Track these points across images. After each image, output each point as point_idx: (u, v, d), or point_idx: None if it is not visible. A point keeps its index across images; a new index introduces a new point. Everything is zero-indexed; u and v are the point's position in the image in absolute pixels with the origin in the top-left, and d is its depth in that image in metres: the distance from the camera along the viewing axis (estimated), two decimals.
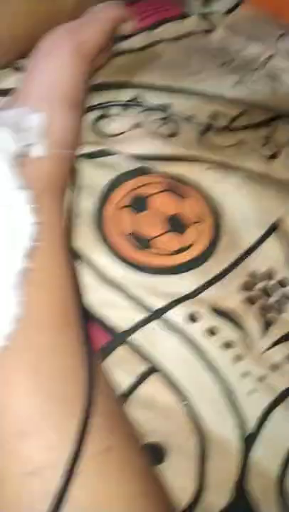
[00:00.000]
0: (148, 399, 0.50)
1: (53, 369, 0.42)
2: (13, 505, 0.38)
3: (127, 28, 0.67)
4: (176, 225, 0.57)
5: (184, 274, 0.55)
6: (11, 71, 0.67)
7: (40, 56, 0.54)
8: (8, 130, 0.44)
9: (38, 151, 0.50)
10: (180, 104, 0.66)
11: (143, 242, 0.56)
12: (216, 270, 0.55)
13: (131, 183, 0.59)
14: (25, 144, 0.47)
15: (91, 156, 0.61)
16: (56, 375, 0.42)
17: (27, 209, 0.41)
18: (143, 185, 0.59)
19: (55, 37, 0.55)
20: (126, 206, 0.58)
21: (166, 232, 0.57)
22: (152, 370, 0.51)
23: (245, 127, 0.66)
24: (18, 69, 0.67)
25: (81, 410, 0.40)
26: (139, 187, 0.59)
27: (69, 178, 0.56)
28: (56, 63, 0.53)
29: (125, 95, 0.66)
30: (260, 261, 0.57)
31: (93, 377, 0.43)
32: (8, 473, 0.38)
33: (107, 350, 0.51)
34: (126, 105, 0.66)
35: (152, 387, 0.50)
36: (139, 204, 0.58)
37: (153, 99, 0.66)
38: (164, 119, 0.65)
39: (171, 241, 0.56)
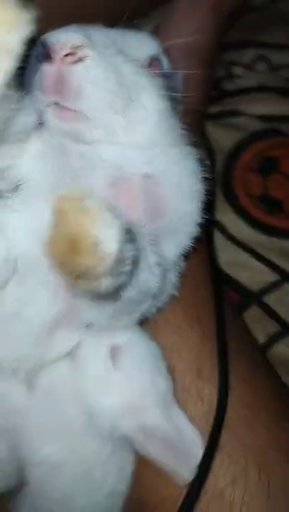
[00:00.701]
0: (280, 359, 0.50)
1: None
2: None
3: None
4: None
5: None
6: None
7: (180, 16, 0.54)
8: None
9: None
10: None
11: (273, 205, 0.55)
12: None
13: (260, 145, 0.58)
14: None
15: (217, 116, 0.61)
16: None
17: None
18: (273, 147, 0.58)
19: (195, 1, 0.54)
20: (255, 168, 0.57)
21: None
22: (286, 331, 0.51)
23: None
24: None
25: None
26: (268, 149, 0.58)
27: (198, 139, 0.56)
28: (198, 26, 0.53)
29: (249, 55, 0.64)
30: None
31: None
32: None
33: (238, 310, 0.52)
34: (249, 65, 0.64)
35: (284, 348, 0.51)
36: (269, 166, 0.57)
37: (278, 58, 0.64)
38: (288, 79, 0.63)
39: None
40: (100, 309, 0.33)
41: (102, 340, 0.38)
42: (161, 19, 0.56)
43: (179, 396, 0.39)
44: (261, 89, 0.63)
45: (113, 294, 0.31)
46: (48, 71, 0.32)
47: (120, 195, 0.32)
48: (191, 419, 0.38)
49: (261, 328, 0.52)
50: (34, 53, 0.34)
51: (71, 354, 0.39)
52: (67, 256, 0.26)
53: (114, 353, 0.39)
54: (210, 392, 0.39)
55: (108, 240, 0.26)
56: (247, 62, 0.65)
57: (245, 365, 0.43)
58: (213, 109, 0.61)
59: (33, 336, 0.36)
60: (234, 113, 0.61)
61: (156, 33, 0.57)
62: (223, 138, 0.59)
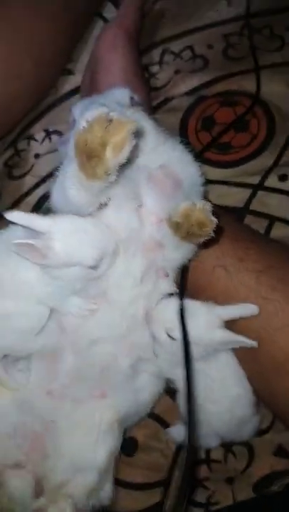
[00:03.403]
0: None
1: None
2: None
3: None
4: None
5: None
6: (67, 75, 0.88)
7: (104, 51, 0.75)
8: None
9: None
10: (198, 40, 0.86)
11: (224, 148, 0.79)
12: None
13: (197, 112, 0.81)
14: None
15: (157, 108, 0.83)
16: None
17: None
18: (205, 109, 0.81)
19: (109, 33, 0.75)
20: (200, 129, 0.81)
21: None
22: None
23: None
24: (70, 72, 0.88)
25: None
26: (203, 112, 0.81)
27: None
28: (121, 52, 0.74)
29: (157, 53, 0.87)
30: None
31: None
32: None
33: None
34: (160, 61, 0.87)
35: None
36: (208, 123, 0.80)
37: (177, 46, 0.87)
38: (192, 57, 0.86)
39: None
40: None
41: None
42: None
43: None
44: (177, 72, 0.86)
45: None
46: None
47: (155, 185, 0.55)
48: None
49: None
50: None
51: None
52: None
53: None
54: None
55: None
56: (158, 60, 0.87)
57: None
58: (154, 102, 0.84)
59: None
60: (166, 100, 0.84)
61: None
62: (170, 120, 0.82)
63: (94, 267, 0.51)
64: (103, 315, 0.54)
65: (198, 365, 0.57)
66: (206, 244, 0.52)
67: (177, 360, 0.55)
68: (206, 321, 0.56)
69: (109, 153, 0.44)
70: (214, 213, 0.48)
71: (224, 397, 0.59)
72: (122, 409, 0.58)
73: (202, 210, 0.47)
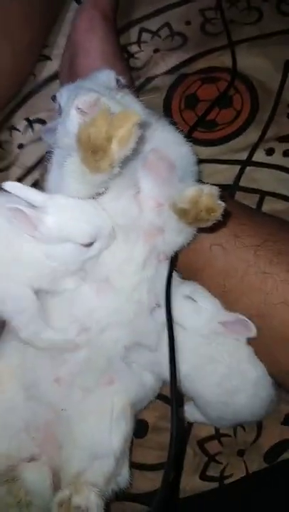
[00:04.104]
0: None
1: None
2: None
3: None
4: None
5: None
6: (44, 60, 0.86)
7: (82, 32, 0.73)
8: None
9: None
10: (174, 16, 0.85)
11: (210, 125, 0.79)
12: None
13: (179, 90, 0.80)
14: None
15: (140, 88, 0.82)
16: None
17: None
18: (188, 87, 0.80)
19: (85, 15, 0.73)
20: (184, 108, 0.80)
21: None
22: None
23: None
24: (47, 57, 0.86)
25: None
26: (185, 90, 0.80)
27: None
28: (99, 34, 0.72)
29: (134, 33, 0.85)
30: None
31: None
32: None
33: None
34: (138, 41, 0.85)
35: None
36: (192, 100, 0.80)
37: (152, 24, 0.85)
38: (170, 35, 0.85)
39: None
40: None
41: None
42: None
43: None
44: (156, 51, 0.84)
45: None
46: (83, 120, 0.48)
47: (150, 170, 0.54)
48: None
49: None
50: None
51: None
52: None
53: None
54: None
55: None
56: (136, 40, 0.85)
57: None
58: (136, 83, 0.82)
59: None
60: (147, 80, 0.83)
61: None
62: (153, 100, 0.81)
63: (87, 245, 0.51)
64: (110, 301, 0.54)
65: (207, 352, 0.58)
66: (211, 228, 0.52)
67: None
68: (209, 317, 0.57)
69: (114, 146, 0.44)
70: (221, 197, 0.48)
71: (245, 383, 0.59)
72: (131, 393, 0.59)
73: (210, 195, 0.47)
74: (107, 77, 0.56)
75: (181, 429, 0.65)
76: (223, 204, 0.48)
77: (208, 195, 0.47)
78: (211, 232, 0.55)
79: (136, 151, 0.45)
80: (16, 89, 0.81)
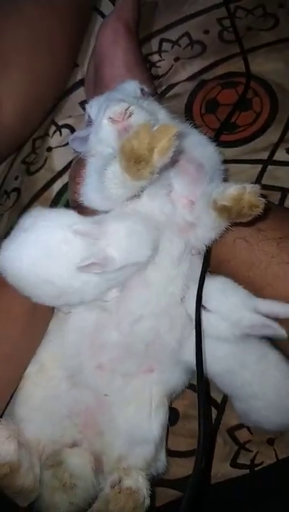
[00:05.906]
0: None
1: None
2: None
3: None
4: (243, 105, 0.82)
5: None
6: None
7: (107, 46, 0.77)
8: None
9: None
10: (193, 26, 0.89)
11: (231, 128, 0.82)
12: None
13: (200, 95, 0.84)
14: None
15: (162, 95, 0.86)
16: None
17: None
18: (208, 92, 0.84)
19: (110, 28, 0.77)
20: (204, 112, 0.83)
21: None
22: None
23: None
24: (75, 64, 0.90)
25: None
26: (206, 95, 0.84)
27: None
28: (122, 45, 0.76)
29: (155, 43, 0.89)
30: None
31: None
32: None
33: None
34: (158, 51, 0.89)
35: None
36: (212, 105, 0.83)
37: (173, 34, 0.89)
38: (189, 44, 0.88)
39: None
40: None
41: None
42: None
43: None
44: (176, 59, 0.89)
45: None
46: (115, 128, 0.53)
47: (180, 171, 0.57)
48: None
49: None
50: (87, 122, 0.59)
51: None
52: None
53: None
54: None
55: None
56: (156, 49, 0.90)
57: None
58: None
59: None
60: (169, 87, 0.87)
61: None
62: (175, 106, 0.84)
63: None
64: (140, 294, 0.58)
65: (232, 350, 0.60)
66: (249, 222, 0.55)
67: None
68: (240, 301, 0.59)
69: (156, 156, 0.48)
70: (261, 194, 0.52)
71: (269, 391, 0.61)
72: (169, 384, 0.62)
73: (253, 193, 0.51)
74: (132, 86, 0.61)
75: (210, 418, 0.68)
76: (264, 200, 0.52)
77: (250, 193, 0.51)
78: (248, 225, 0.58)
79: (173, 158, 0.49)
80: (55, 99, 0.86)
